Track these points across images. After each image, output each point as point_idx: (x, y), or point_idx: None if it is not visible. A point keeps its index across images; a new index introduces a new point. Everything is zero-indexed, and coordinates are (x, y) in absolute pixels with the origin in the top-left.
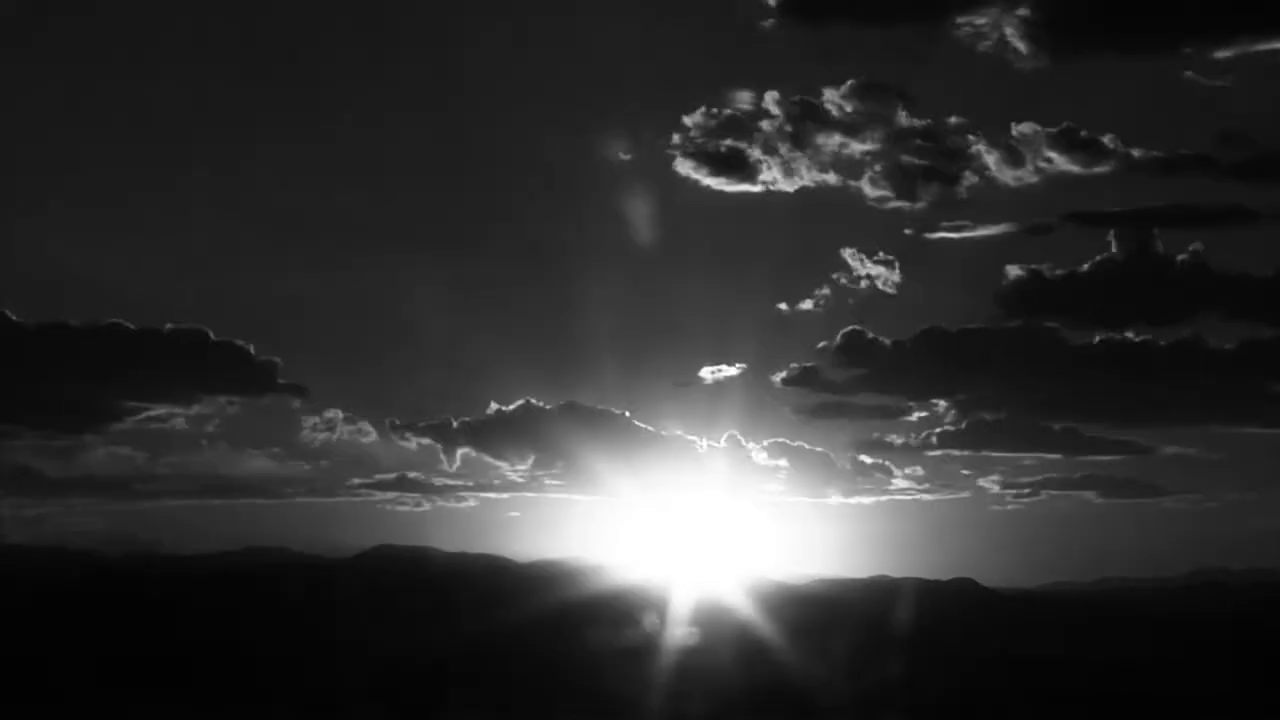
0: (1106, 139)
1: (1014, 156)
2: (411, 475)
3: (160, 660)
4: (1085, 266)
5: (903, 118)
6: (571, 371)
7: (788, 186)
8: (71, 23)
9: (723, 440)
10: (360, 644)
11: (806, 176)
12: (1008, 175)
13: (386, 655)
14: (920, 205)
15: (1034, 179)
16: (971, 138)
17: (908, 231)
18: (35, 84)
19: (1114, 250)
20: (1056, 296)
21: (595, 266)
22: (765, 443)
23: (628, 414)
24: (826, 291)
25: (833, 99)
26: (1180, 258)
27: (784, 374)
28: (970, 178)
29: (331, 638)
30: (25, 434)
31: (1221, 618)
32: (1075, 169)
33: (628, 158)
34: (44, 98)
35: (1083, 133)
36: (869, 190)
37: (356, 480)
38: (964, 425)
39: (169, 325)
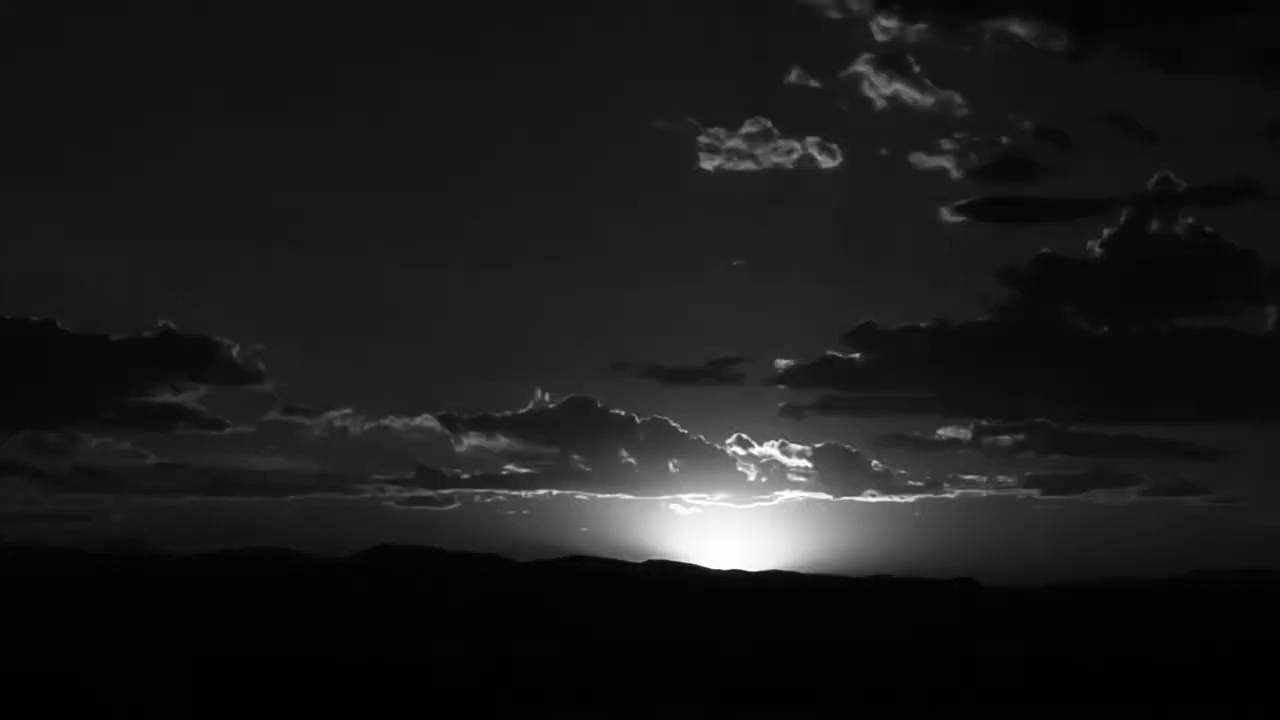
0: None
1: (1060, 137)
2: (414, 474)
3: (159, 661)
4: (1097, 251)
5: (946, 94)
6: (577, 367)
7: (828, 162)
8: (58, 18)
9: (731, 436)
10: (361, 644)
11: (840, 156)
12: (1051, 155)
13: (387, 655)
14: (960, 179)
15: (1083, 158)
16: (1019, 118)
17: (944, 211)
18: (30, 83)
19: (1123, 228)
20: (1073, 284)
21: (599, 261)
22: (770, 438)
23: (635, 409)
24: (848, 280)
25: (870, 75)
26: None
27: (793, 367)
28: (1021, 156)
29: (333, 638)
30: (20, 433)
31: (1222, 617)
32: (1122, 149)
33: (671, 124)
34: (37, 97)
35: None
36: (916, 163)
37: (359, 479)
38: (967, 423)
39: (167, 323)
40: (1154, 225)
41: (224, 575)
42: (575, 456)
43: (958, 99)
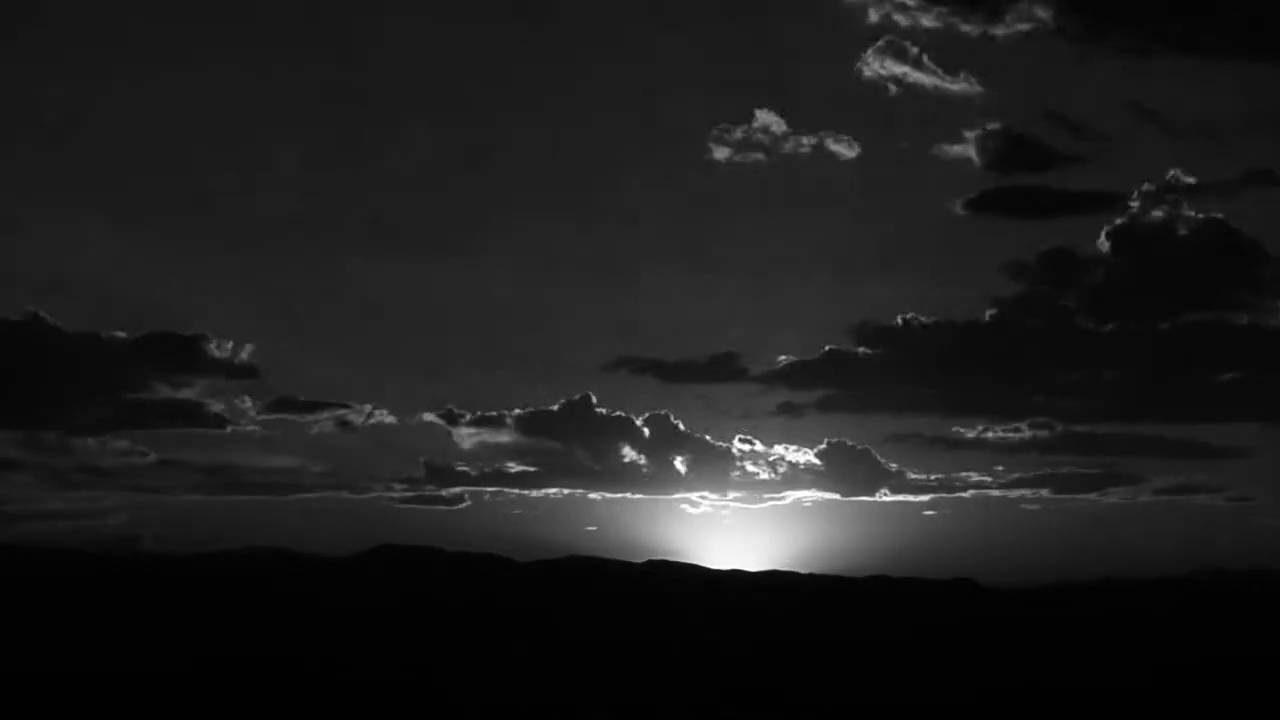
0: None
1: (1077, 126)
2: (423, 473)
3: (159, 661)
4: (1107, 245)
5: (964, 82)
6: (577, 364)
7: (846, 153)
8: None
9: (735, 434)
10: (361, 644)
11: (856, 147)
12: (1068, 144)
13: (387, 655)
14: (976, 170)
15: (1099, 148)
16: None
17: (953, 205)
18: (32, 84)
19: (1134, 221)
20: (1083, 278)
21: (600, 256)
22: (773, 435)
23: (637, 407)
24: (852, 274)
25: (886, 62)
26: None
27: (795, 363)
28: (1038, 146)
29: (332, 638)
30: (19, 431)
31: (1222, 617)
32: (1139, 138)
33: (679, 116)
34: (39, 99)
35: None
36: (935, 154)
37: (366, 478)
38: (974, 421)
39: (165, 322)
40: (1167, 218)
41: (225, 575)
42: (581, 455)
43: (976, 86)
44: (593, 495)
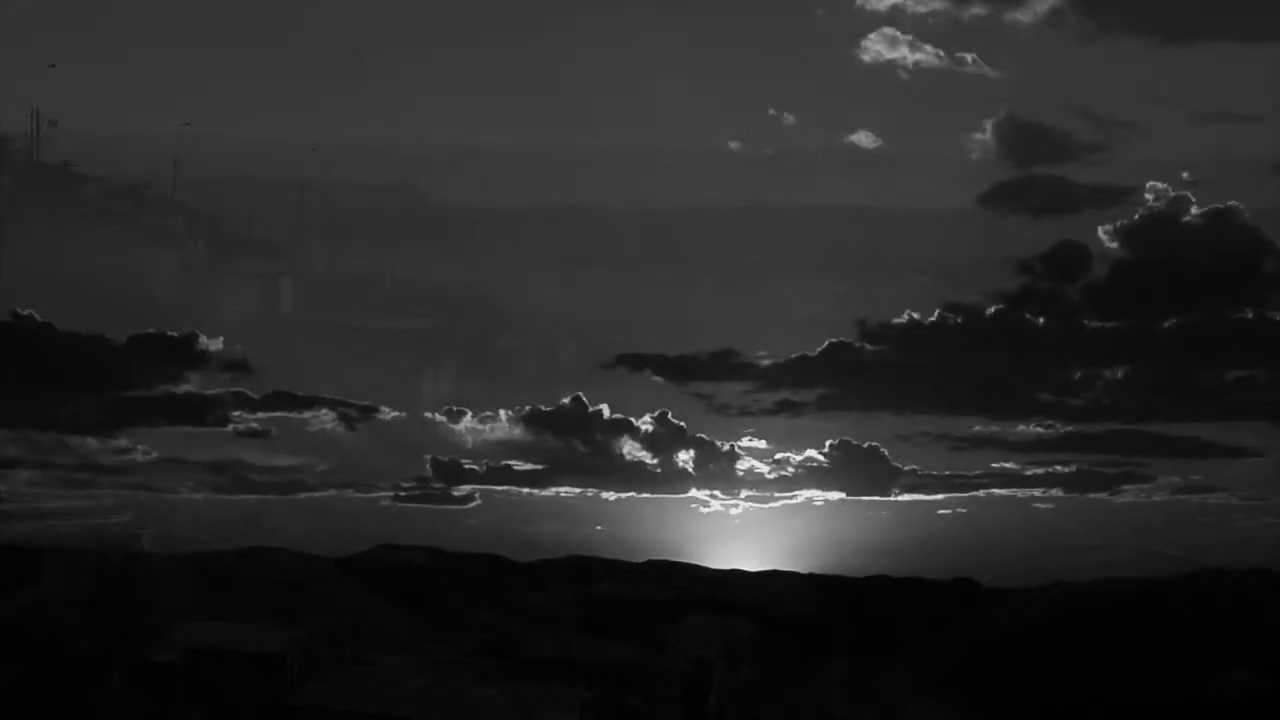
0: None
1: (1097, 118)
2: (421, 472)
3: (155, 664)
4: (1118, 241)
5: (979, 71)
6: (581, 361)
7: (856, 145)
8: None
9: (741, 433)
10: (360, 645)
11: (864, 139)
12: (1088, 136)
13: (386, 655)
14: (991, 163)
15: (1116, 141)
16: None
17: (961, 199)
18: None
19: (1147, 216)
20: (1094, 274)
21: (600, 251)
22: (781, 434)
23: (640, 406)
24: (857, 269)
25: (900, 52)
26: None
27: (800, 360)
28: (1057, 139)
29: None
30: (18, 430)
31: (1221, 617)
32: (1155, 130)
33: (689, 109)
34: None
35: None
36: (941, 147)
37: (364, 477)
38: (983, 420)
39: (163, 322)
40: (1177, 212)
41: (228, 575)
42: (584, 453)
43: (990, 72)
44: (604, 494)
